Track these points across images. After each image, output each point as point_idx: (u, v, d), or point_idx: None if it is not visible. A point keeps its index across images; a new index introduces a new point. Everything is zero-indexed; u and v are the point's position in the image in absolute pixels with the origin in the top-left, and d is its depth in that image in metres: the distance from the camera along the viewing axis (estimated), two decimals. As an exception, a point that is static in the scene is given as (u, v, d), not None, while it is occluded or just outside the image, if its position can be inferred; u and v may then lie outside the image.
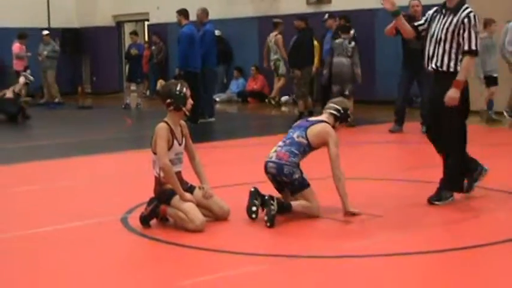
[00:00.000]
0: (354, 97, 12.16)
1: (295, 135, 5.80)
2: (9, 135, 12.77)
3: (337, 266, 4.65)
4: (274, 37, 16.39)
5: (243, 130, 12.84)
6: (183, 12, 13.23)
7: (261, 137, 11.27)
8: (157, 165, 5.58)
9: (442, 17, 6.13)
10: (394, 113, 11.33)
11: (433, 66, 6.09)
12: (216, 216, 5.72)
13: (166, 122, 5.64)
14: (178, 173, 5.65)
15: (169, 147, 5.57)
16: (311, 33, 13.26)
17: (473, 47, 5.99)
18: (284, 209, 5.64)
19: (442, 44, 6.06)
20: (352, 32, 12.29)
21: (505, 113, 12.31)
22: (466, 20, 5.99)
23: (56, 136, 12.65)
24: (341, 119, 5.94)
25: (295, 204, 5.71)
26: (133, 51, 17.29)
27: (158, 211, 5.59)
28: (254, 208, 5.64)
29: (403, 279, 4.36)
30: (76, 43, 21.82)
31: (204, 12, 13.61)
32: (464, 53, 5.99)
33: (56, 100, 18.11)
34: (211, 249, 4.97)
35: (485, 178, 6.32)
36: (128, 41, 20.24)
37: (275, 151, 5.79)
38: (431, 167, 6.86)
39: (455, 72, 6.01)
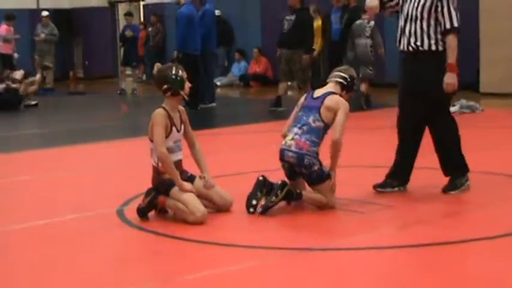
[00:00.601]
0: (372, 80, 12.36)
1: (310, 120, 5.73)
2: (-3, 124, 12.80)
3: (345, 258, 4.66)
4: None
5: (246, 116, 12.85)
6: (181, -9, 13.24)
7: (265, 123, 11.29)
8: (155, 153, 5.60)
9: None
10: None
11: (413, 45, 6.05)
12: (217, 208, 5.73)
13: (163, 108, 5.65)
14: (179, 162, 5.66)
15: (168, 134, 5.58)
16: (309, 13, 13.17)
17: (456, 24, 5.96)
18: (293, 198, 5.66)
19: (418, 22, 6.01)
20: None
21: None
22: None
23: (47, 124, 12.69)
24: (348, 88, 5.91)
25: (308, 197, 5.72)
26: (128, 33, 17.30)
27: (156, 202, 5.61)
28: (254, 202, 5.60)
29: (414, 271, 4.38)
30: (67, 25, 21.82)
31: (204, -10, 13.61)
32: (447, 31, 5.96)
33: (48, 86, 18.13)
34: (213, 243, 4.98)
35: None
36: (122, 22, 20.23)
37: (292, 138, 5.70)
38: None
39: (437, 51, 5.99)
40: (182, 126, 5.74)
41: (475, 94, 13.85)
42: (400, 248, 4.81)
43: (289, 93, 14.53)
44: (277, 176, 5.86)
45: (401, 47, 6.16)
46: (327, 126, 5.75)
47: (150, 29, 20.43)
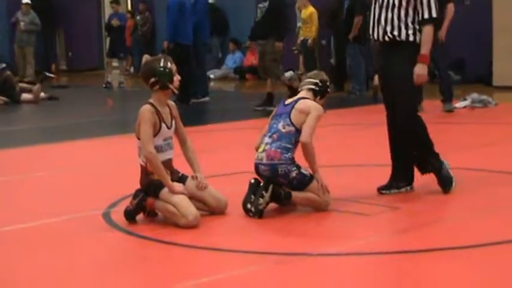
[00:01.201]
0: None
1: (280, 126, 5.78)
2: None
3: (346, 264, 4.67)
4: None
5: (241, 111, 12.84)
6: (172, -23, 13.23)
7: (261, 118, 11.26)
8: (142, 153, 5.59)
9: None
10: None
11: (389, 35, 6.05)
12: (211, 210, 5.73)
13: (151, 104, 5.64)
14: (169, 161, 5.66)
15: (157, 132, 5.58)
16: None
17: (434, 15, 5.99)
18: (281, 198, 5.67)
19: (396, 10, 6.01)
20: None
21: None
22: None
23: (28, 120, 12.68)
24: (321, 93, 5.96)
25: (300, 197, 5.72)
26: (115, 22, 17.30)
27: (145, 205, 5.60)
28: (249, 205, 5.63)
29: (422, 278, 4.38)
30: (48, 14, 21.77)
31: (196, -24, 13.59)
32: (425, 21, 5.98)
33: (29, 79, 18.12)
34: (205, 248, 4.98)
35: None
36: (108, 10, 20.23)
37: (264, 150, 5.75)
38: (456, 151, 6.87)
39: (414, 42, 6.01)
40: (173, 123, 5.73)
41: (488, 87, 13.86)
42: (403, 254, 4.81)
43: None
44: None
45: (376, 36, 6.16)
46: (298, 131, 5.78)
47: (138, 17, 20.43)
